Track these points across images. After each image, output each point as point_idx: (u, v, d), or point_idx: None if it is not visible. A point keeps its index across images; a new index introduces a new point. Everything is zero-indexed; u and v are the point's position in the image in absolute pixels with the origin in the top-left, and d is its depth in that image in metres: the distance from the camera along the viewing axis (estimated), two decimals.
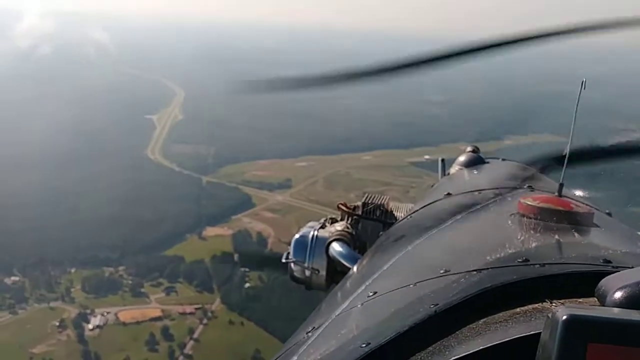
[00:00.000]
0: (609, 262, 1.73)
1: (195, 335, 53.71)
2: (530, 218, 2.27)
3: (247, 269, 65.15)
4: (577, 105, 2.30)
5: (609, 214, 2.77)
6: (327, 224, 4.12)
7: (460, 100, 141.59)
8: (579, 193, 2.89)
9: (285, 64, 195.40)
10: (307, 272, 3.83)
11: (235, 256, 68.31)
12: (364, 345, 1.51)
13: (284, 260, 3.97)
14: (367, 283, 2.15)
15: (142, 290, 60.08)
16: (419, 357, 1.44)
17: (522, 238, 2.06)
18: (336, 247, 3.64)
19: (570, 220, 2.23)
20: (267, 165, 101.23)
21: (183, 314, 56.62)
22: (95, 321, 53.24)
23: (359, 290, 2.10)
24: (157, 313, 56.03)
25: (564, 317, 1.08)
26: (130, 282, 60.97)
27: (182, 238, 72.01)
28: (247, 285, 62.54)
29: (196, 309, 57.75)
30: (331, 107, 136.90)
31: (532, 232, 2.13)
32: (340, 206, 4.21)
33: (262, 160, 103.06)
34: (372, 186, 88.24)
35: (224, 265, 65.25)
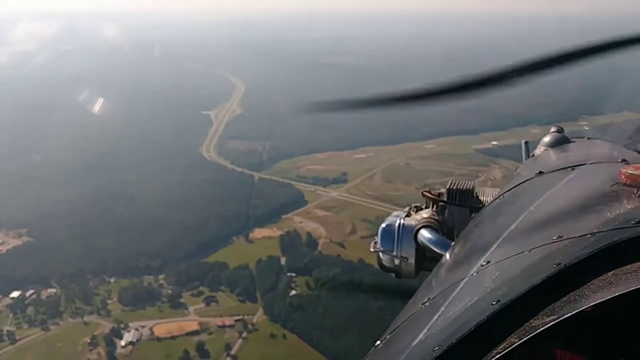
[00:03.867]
0: None
1: (233, 351, 49.80)
2: (634, 186, 2.27)
3: (293, 274, 61.27)
4: None
5: None
6: (412, 212, 4.07)
7: (530, 82, 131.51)
8: None
9: (347, 51, 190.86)
10: (396, 261, 3.79)
11: (282, 260, 64.81)
12: (494, 302, 1.58)
13: (372, 250, 3.90)
14: (475, 257, 2.15)
15: (181, 300, 56.92)
16: (556, 306, 1.50)
17: (630, 204, 2.10)
18: (425, 234, 3.63)
19: None
20: (323, 159, 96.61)
21: (222, 326, 52.88)
22: (128, 337, 50.44)
23: (468, 263, 2.13)
24: (195, 326, 52.62)
25: None
26: (169, 291, 58.02)
27: (228, 241, 68.61)
28: (292, 292, 58.18)
29: (236, 320, 53.87)
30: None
31: (639, 198, 2.17)
32: (425, 193, 4.16)
33: (319, 154, 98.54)
34: (433, 177, 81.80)
35: (269, 271, 61.53)
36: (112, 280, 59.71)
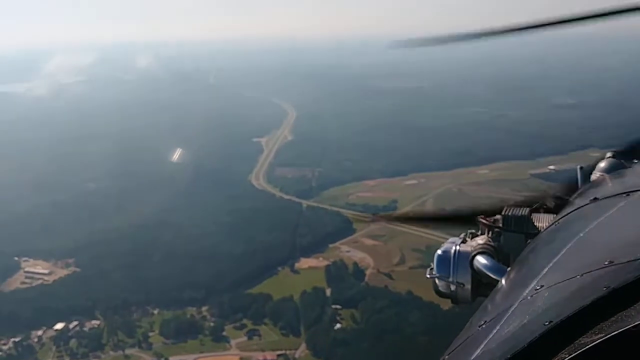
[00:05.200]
0: None
1: None
2: None
3: (339, 306, 59.31)
4: None
5: None
6: (467, 239, 4.11)
7: (593, 102, 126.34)
8: None
9: (398, 75, 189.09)
10: (452, 287, 3.82)
11: (327, 291, 62.92)
12: (546, 323, 1.66)
13: (428, 276, 3.95)
14: (529, 281, 2.23)
15: (224, 333, 55.68)
16: (604, 325, 1.58)
17: None
18: (481, 260, 3.69)
19: None
20: (373, 186, 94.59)
21: None
22: None
23: (523, 288, 2.19)
24: None
25: None
26: (212, 324, 56.91)
27: (274, 272, 67.32)
28: (337, 326, 56.12)
29: (278, 355, 52.22)
30: (446, 119, 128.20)
31: None
32: (481, 219, 4.16)
33: (369, 181, 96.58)
34: (488, 204, 78.49)
35: (313, 303, 59.76)
36: (155, 311, 59.16)
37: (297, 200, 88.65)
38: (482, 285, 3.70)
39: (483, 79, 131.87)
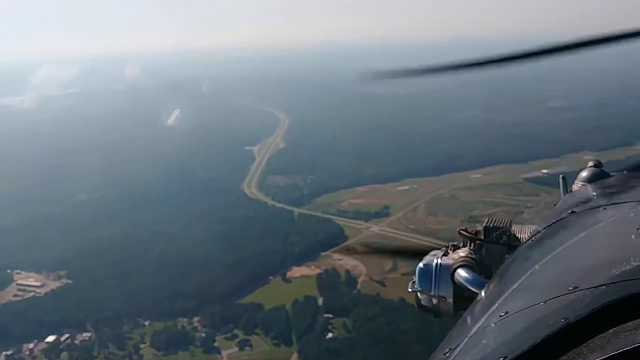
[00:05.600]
0: None
1: None
2: None
3: (330, 315, 58.89)
4: None
5: None
6: (449, 251, 4.11)
7: (586, 105, 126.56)
8: None
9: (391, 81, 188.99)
10: (434, 300, 3.84)
11: (319, 300, 62.50)
12: (501, 359, 1.65)
13: (409, 290, 3.98)
14: (497, 304, 2.27)
15: (215, 344, 55.31)
16: None
17: None
18: (462, 273, 3.70)
19: None
20: (365, 192, 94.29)
21: None
22: None
23: (491, 312, 2.22)
24: None
25: None
26: (203, 335, 56.53)
27: (265, 281, 66.90)
28: (329, 335, 55.72)
29: None
30: (439, 123, 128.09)
31: None
32: (462, 232, 4.21)
33: (361, 187, 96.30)
34: (480, 209, 78.51)
35: (305, 312, 59.34)
36: (146, 323, 58.68)
37: (289, 208, 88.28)
38: (464, 298, 3.68)
39: (475, 83, 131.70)
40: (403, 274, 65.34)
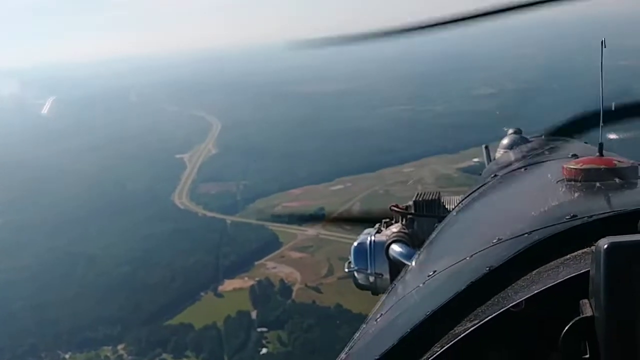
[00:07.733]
0: None
1: None
2: (575, 180, 2.35)
3: (265, 329, 56.20)
4: (601, 64, 2.41)
5: None
6: (382, 228, 4.09)
7: (511, 89, 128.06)
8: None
9: (318, 79, 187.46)
10: (371, 278, 3.82)
11: (253, 314, 59.72)
12: (427, 313, 1.67)
13: (346, 270, 3.94)
14: (426, 267, 2.31)
15: None
16: (480, 310, 1.58)
17: (569, 199, 2.24)
18: (396, 249, 3.69)
19: (614, 175, 2.30)
20: (299, 195, 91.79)
21: None
22: None
23: (419, 275, 2.28)
24: None
25: (605, 246, 1.19)
26: None
27: (196, 298, 63.59)
28: (263, 351, 53.08)
29: None
30: (368, 118, 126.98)
31: (578, 192, 2.27)
32: (393, 208, 4.18)
33: (295, 190, 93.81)
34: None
35: (238, 328, 56.43)
36: (67, 355, 54.59)
37: (220, 217, 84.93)
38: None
39: (402, 76, 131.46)
40: (339, 278, 63.49)
